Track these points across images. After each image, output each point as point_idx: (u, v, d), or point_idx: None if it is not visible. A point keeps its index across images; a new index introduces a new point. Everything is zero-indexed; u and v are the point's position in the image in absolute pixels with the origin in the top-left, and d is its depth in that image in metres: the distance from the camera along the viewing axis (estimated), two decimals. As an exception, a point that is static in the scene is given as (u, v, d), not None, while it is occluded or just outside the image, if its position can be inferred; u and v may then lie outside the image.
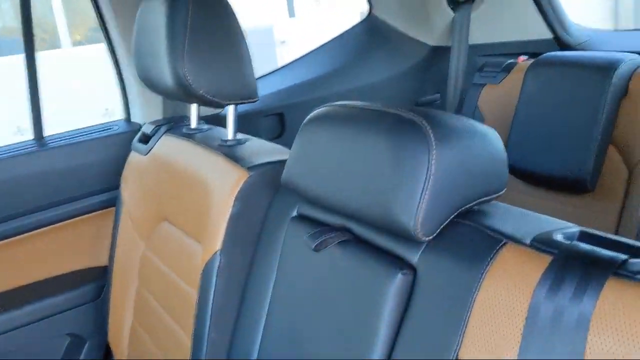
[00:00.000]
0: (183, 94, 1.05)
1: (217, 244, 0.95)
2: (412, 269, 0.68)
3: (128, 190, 1.36)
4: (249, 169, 0.95)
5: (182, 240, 1.13)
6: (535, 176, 1.43)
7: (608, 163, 1.34)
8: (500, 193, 0.71)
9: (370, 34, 1.77)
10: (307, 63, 1.73)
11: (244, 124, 1.50)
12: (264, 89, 1.62)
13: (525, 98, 1.46)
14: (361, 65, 1.73)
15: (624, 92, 1.32)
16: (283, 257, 0.86)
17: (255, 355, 0.87)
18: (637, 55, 1.36)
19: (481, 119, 1.62)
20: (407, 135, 0.66)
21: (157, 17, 1.06)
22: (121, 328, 1.35)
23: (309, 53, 1.74)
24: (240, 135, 1.13)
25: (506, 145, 1.50)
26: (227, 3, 1.07)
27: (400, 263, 0.69)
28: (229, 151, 1.04)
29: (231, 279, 0.93)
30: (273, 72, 1.70)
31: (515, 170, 1.47)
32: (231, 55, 1.05)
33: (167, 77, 1.05)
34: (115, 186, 1.42)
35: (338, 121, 0.76)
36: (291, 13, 7.62)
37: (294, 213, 0.88)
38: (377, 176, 0.68)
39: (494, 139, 0.71)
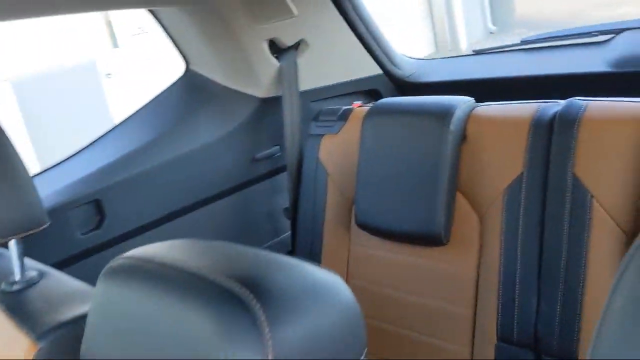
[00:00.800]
0: None
1: None
2: None
3: None
4: (39, 337, 0.72)
5: None
6: (387, 232, 1.35)
7: (459, 212, 1.28)
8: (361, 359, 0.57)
9: (192, 91, 1.58)
10: (124, 134, 1.50)
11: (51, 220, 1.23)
12: (72, 174, 1.36)
13: (366, 149, 1.36)
14: (187, 127, 1.53)
15: (462, 137, 1.27)
16: None
17: None
18: (469, 97, 1.32)
19: (324, 173, 1.51)
20: (233, 320, 0.49)
21: None
22: None
23: (123, 122, 1.50)
24: (32, 270, 0.89)
25: (354, 200, 1.40)
26: None
27: None
28: (13, 303, 0.80)
29: None
30: (79, 152, 1.44)
31: (367, 227, 1.38)
32: (2, 178, 0.80)
33: None
34: None
35: (144, 283, 0.57)
36: (114, 43, 7.12)
37: None
38: None
39: (344, 292, 0.56)
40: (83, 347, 0.64)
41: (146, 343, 0.55)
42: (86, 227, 1.36)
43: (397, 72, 1.83)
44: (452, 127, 1.23)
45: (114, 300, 0.60)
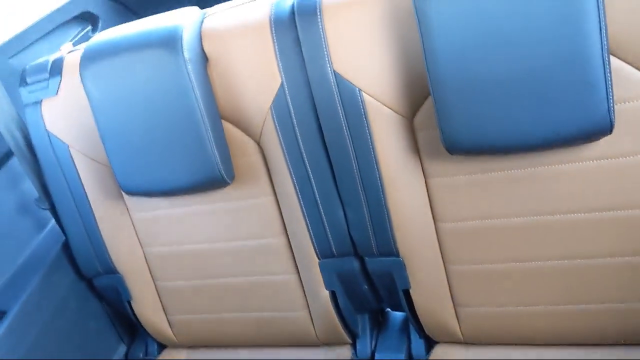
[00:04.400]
0: None
1: None
2: None
3: None
4: None
5: None
6: (162, 193, 1.14)
7: (234, 143, 1.11)
8: None
9: None
10: None
11: None
12: None
13: (98, 106, 1.09)
14: None
15: (203, 59, 1.06)
16: None
17: None
18: (194, 8, 1.09)
19: (61, 145, 1.21)
20: None
21: None
22: None
23: None
24: None
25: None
26: None
27: None
28: None
29: None
30: None
31: (137, 194, 1.16)
32: None
33: None
34: None
35: None
36: None
37: None
38: None
39: None
40: None
41: None
42: None
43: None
44: (186, 54, 1.01)
45: None
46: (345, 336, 1.25)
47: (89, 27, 1.55)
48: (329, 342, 1.28)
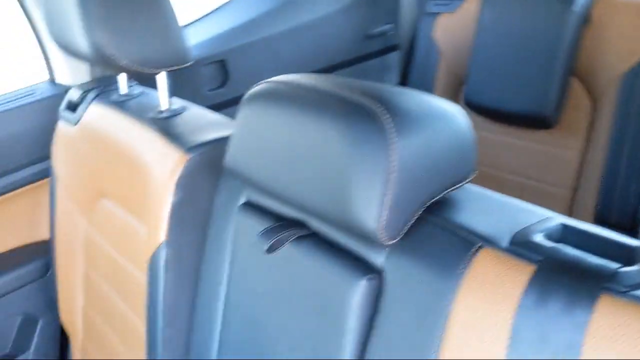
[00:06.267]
0: (104, 65, 0.92)
1: (162, 233, 0.86)
2: (378, 272, 0.61)
3: (60, 162, 1.24)
4: (188, 150, 0.85)
5: (126, 220, 1.03)
6: (495, 113, 1.37)
7: (571, 96, 1.28)
8: (470, 178, 0.64)
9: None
10: (244, 3, 1.58)
11: (181, 75, 1.37)
12: (200, 35, 1.47)
13: (483, 29, 1.37)
14: None
15: (585, 20, 1.24)
16: (234, 251, 0.78)
17: (214, 355, 0.81)
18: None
19: (437, 52, 1.53)
20: (363, 127, 0.57)
21: None
22: (73, 308, 1.27)
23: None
24: (176, 103, 1.01)
25: (464, 80, 1.42)
26: None
27: (364, 266, 0.62)
28: (165, 126, 0.93)
29: (181, 272, 0.85)
30: (208, 14, 1.54)
31: (475, 106, 1.41)
32: (155, 16, 0.91)
33: (83, 45, 0.91)
34: (46, 157, 1.29)
35: (283, 102, 0.66)
36: None
37: (243, 200, 0.79)
38: (332, 171, 0.59)
39: (460, 119, 0.63)
40: (227, 160, 0.76)
41: (283, 155, 0.65)
42: (212, 84, 1.49)
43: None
44: (575, 7, 1.21)
45: (257, 120, 0.70)
46: None
47: None
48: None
